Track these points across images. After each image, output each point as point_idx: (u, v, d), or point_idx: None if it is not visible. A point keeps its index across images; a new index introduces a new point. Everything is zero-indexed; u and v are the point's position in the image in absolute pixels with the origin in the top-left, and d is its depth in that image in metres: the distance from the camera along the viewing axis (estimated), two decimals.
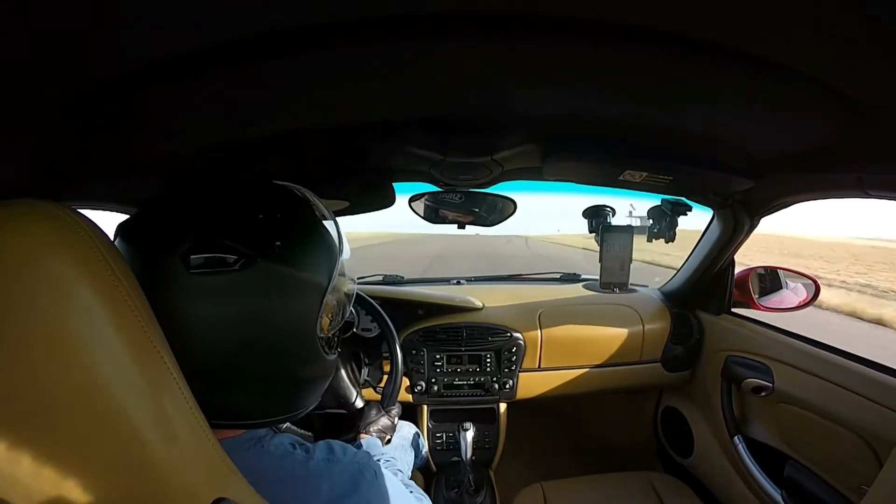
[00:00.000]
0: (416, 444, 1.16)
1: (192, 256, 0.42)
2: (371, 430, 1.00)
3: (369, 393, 1.32)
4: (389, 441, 1.06)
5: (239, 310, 0.44)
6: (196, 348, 0.43)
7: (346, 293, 0.54)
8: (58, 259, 0.35)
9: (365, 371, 1.19)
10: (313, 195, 0.52)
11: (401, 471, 0.87)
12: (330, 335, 0.53)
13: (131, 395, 0.37)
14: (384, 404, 1.07)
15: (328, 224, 0.51)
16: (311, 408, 0.56)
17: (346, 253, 0.52)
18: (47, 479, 0.36)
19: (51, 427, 0.35)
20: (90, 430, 0.36)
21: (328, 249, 0.50)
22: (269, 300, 0.45)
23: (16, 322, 0.34)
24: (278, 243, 0.45)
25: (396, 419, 1.07)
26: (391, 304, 1.43)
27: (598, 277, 1.40)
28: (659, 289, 1.72)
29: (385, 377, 1.16)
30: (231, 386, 0.47)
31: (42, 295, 0.35)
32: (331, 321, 0.52)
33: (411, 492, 0.74)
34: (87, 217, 0.39)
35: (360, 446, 0.91)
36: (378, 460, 0.84)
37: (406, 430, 1.17)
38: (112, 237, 0.44)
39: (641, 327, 1.53)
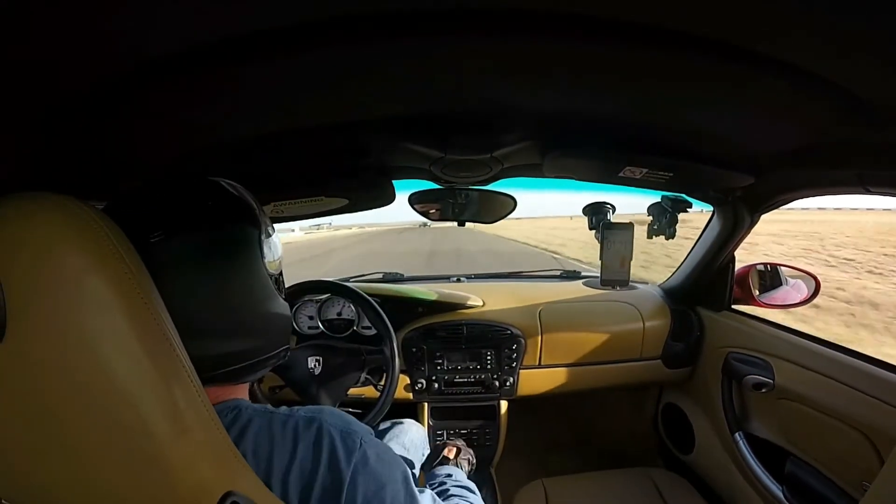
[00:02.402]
0: (422, 444, 1.15)
1: (149, 233, 0.48)
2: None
3: (369, 391, 1.32)
4: (471, 462, 1.05)
5: (203, 264, 0.52)
6: (180, 313, 0.47)
7: (275, 242, 0.63)
8: (71, 251, 0.36)
9: (365, 370, 1.19)
10: (237, 185, 0.60)
11: (470, 490, 0.85)
12: (276, 275, 0.61)
13: (143, 388, 0.37)
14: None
15: (248, 197, 0.59)
16: (280, 350, 0.61)
17: (265, 214, 0.61)
18: (57, 474, 0.37)
19: (62, 420, 0.35)
20: (102, 424, 0.36)
21: (250, 208, 0.58)
22: (220, 249, 0.53)
23: (29, 315, 0.34)
24: (210, 203, 0.54)
25: (464, 451, 1.06)
26: (391, 301, 1.43)
27: (597, 274, 1.40)
28: (659, 286, 1.72)
29: (385, 375, 1.16)
30: (213, 335, 0.52)
31: (55, 287, 0.35)
32: (272, 264, 0.59)
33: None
34: (99, 210, 0.39)
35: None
36: None
37: (414, 431, 1.17)
38: None
39: (642, 324, 1.53)
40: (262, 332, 0.57)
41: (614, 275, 1.34)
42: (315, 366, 1.12)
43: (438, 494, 0.80)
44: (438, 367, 1.48)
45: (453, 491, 0.82)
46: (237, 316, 0.54)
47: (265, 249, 0.57)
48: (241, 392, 0.59)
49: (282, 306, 0.61)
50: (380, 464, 0.55)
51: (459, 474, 0.92)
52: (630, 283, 1.43)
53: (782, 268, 1.43)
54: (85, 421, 0.36)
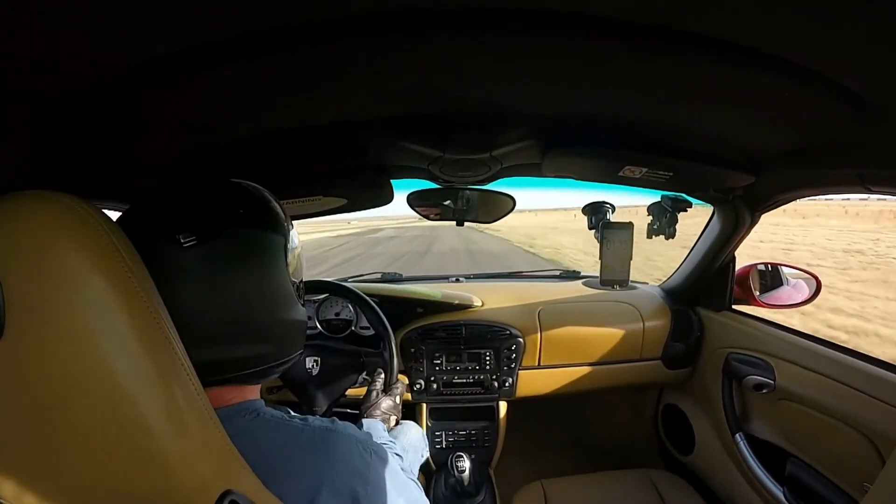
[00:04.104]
0: (421, 446, 1.15)
1: (180, 236, 0.49)
2: (374, 413, 0.99)
3: None
4: (398, 422, 1.05)
5: (230, 269, 0.52)
6: (201, 316, 0.49)
7: (299, 252, 0.64)
8: (70, 249, 0.36)
9: (364, 371, 1.19)
10: (263, 188, 0.61)
11: (399, 455, 0.86)
12: (297, 283, 0.62)
13: (142, 385, 0.37)
14: (385, 389, 1.06)
15: (275, 202, 0.60)
16: (295, 354, 0.62)
17: (291, 223, 0.63)
18: (56, 472, 0.37)
19: (61, 418, 0.35)
20: (101, 422, 0.36)
21: (278, 215, 0.59)
22: (249, 255, 0.54)
23: (28, 313, 0.34)
24: (241, 211, 0.55)
25: (399, 398, 1.06)
26: (390, 301, 1.43)
27: (597, 274, 1.40)
28: (659, 286, 1.72)
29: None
30: (232, 340, 0.53)
31: (54, 285, 0.35)
32: (294, 271, 0.61)
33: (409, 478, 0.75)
34: (98, 208, 0.39)
35: (361, 427, 0.92)
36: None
37: (413, 432, 1.17)
38: None
39: (642, 324, 1.53)
40: (281, 338, 0.58)
41: (614, 275, 1.34)
42: (313, 366, 1.11)
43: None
44: (437, 368, 1.48)
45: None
46: (260, 322, 0.55)
47: (289, 257, 0.58)
48: (255, 393, 0.59)
49: (300, 312, 0.61)
50: (389, 468, 0.61)
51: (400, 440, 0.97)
52: (630, 284, 1.42)
53: (783, 267, 1.42)
54: (84, 419, 0.36)
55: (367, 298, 1.19)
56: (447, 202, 1.26)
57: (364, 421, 0.95)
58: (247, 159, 0.86)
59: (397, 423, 1.06)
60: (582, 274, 1.93)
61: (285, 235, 0.58)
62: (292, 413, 0.58)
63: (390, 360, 1.10)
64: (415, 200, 1.24)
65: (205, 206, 0.53)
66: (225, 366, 0.52)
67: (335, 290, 1.28)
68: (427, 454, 1.21)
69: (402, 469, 0.78)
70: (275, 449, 0.51)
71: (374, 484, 0.56)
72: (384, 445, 0.85)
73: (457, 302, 1.55)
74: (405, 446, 0.96)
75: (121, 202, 0.80)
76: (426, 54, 0.51)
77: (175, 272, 0.48)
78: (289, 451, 0.51)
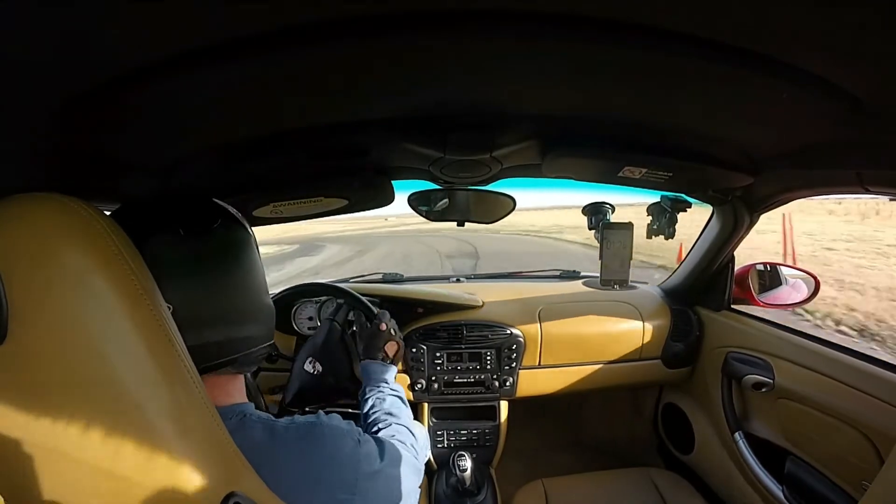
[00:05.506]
0: (425, 446, 1.16)
1: (181, 228, 0.53)
2: (371, 354, 1.00)
3: None
4: (398, 352, 1.06)
5: (226, 259, 0.57)
6: (203, 302, 0.53)
7: None
8: (73, 251, 0.36)
9: (360, 347, 1.19)
10: None
11: (399, 398, 0.90)
12: None
13: (146, 386, 0.37)
14: (372, 318, 1.09)
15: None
16: (272, 341, 0.65)
17: None
18: (59, 473, 0.37)
19: (65, 420, 0.36)
20: (104, 423, 0.36)
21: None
22: (237, 246, 0.59)
23: (31, 315, 0.34)
24: (220, 208, 0.62)
25: (386, 324, 1.07)
26: (391, 301, 1.44)
27: (597, 274, 1.40)
28: (659, 286, 1.72)
29: None
30: (228, 322, 0.56)
31: (57, 286, 0.35)
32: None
33: (404, 443, 0.78)
34: (100, 210, 0.40)
35: (360, 369, 0.96)
36: (372, 397, 0.88)
37: (417, 432, 1.17)
38: None
39: (641, 324, 1.53)
40: (266, 321, 0.63)
41: (614, 275, 1.34)
42: (314, 366, 1.12)
43: (376, 401, 0.89)
44: (438, 368, 1.48)
45: (389, 401, 0.89)
46: (252, 305, 0.59)
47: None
48: (240, 390, 0.60)
49: (270, 300, 0.67)
50: (379, 449, 0.62)
51: (391, 377, 0.97)
52: (630, 283, 1.43)
53: (782, 267, 1.43)
54: (88, 421, 0.36)
55: (362, 298, 1.19)
56: (448, 203, 1.26)
57: (362, 364, 0.97)
58: (247, 160, 0.86)
59: (398, 350, 1.07)
60: (582, 274, 1.94)
61: (253, 234, 0.64)
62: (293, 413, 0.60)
63: (355, 300, 1.12)
64: (415, 201, 1.25)
65: (195, 205, 0.59)
66: (227, 347, 0.55)
67: (331, 291, 1.29)
68: (429, 453, 1.21)
69: (399, 440, 0.78)
70: (263, 449, 0.51)
71: (365, 471, 0.57)
72: (379, 392, 0.88)
73: (457, 302, 1.55)
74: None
75: (121, 203, 0.81)
76: (426, 55, 0.51)
77: (175, 263, 0.51)
78: (277, 449, 0.52)
